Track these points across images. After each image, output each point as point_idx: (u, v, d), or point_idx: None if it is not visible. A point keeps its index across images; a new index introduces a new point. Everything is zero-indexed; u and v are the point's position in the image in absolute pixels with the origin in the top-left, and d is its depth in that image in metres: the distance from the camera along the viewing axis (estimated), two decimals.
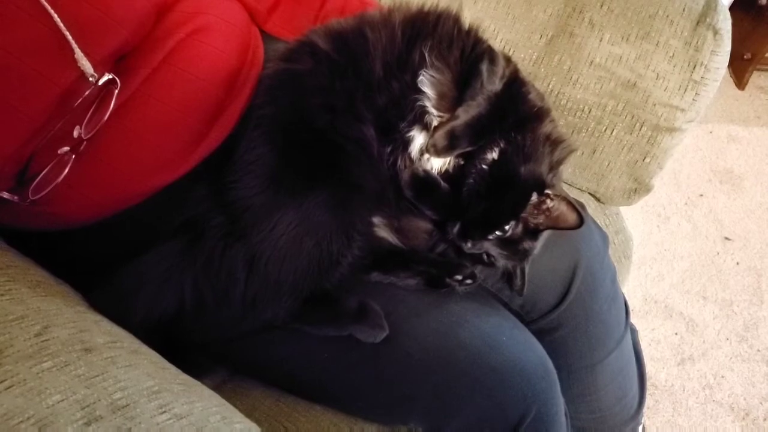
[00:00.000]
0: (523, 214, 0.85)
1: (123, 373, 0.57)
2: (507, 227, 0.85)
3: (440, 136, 0.79)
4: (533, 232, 0.88)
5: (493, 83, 0.82)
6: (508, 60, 0.88)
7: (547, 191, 0.85)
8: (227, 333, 0.87)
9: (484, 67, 0.81)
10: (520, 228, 0.86)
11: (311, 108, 0.80)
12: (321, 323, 0.84)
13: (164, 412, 0.55)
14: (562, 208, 0.85)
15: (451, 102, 0.82)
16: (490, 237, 0.85)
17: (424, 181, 0.84)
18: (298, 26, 1.01)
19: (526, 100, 0.86)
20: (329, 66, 0.81)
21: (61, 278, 0.76)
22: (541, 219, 0.86)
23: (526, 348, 0.87)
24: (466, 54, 0.83)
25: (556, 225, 0.86)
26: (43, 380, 0.52)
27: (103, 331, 0.65)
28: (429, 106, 0.82)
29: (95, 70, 0.70)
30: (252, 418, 0.66)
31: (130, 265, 0.78)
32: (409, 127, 0.83)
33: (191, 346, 0.79)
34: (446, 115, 0.82)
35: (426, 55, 0.81)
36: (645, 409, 1.20)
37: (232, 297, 0.79)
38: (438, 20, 0.85)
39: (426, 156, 0.84)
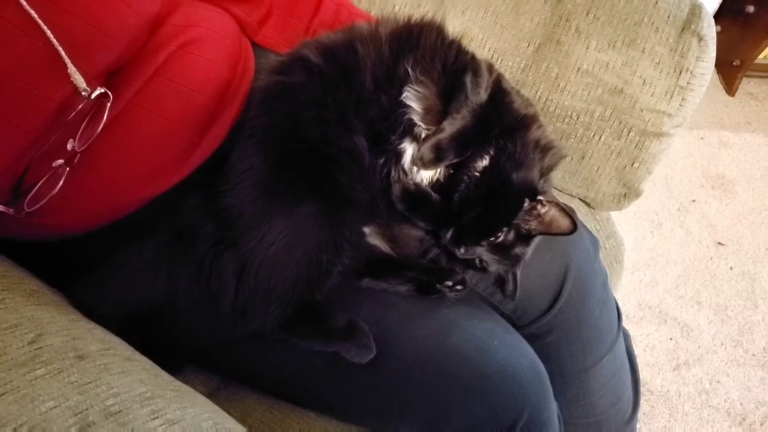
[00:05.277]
0: (515, 220, 0.86)
1: (116, 380, 0.58)
2: (500, 233, 0.85)
3: (427, 149, 0.80)
4: (525, 238, 0.88)
5: (477, 94, 0.83)
6: (490, 69, 0.89)
7: (539, 197, 0.86)
8: (218, 340, 0.87)
9: (468, 79, 0.82)
10: (512, 234, 0.87)
11: (304, 120, 0.81)
12: (308, 337, 0.84)
13: (156, 417, 0.55)
14: (555, 213, 0.85)
15: (437, 115, 0.83)
16: (483, 243, 0.86)
17: (415, 195, 0.85)
18: (288, 38, 1.03)
19: (510, 109, 0.87)
20: (321, 80, 0.82)
21: (54, 285, 0.77)
22: (533, 224, 0.87)
23: (518, 352, 0.88)
24: (449, 66, 0.84)
25: (548, 230, 0.87)
26: (36, 387, 0.52)
27: (97, 339, 0.65)
28: (416, 119, 0.83)
29: (88, 85, 0.71)
30: (245, 424, 0.66)
31: (113, 255, 0.79)
32: (400, 140, 0.84)
33: (166, 347, 0.80)
34: (433, 128, 0.83)
35: (410, 70, 0.82)
36: (641, 415, 1.20)
37: (221, 304, 0.80)
38: (421, 33, 0.85)
39: (416, 168, 0.85)
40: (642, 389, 1.20)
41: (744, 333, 1.80)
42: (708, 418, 1.61)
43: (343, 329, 0.82)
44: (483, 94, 0.84)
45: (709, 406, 1.63)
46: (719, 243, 2.03)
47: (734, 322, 1.82)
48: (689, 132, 2.39)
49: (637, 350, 1.29)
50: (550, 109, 1.15)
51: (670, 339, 1.77)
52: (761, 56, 2.45)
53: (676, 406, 1.63)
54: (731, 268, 1.96)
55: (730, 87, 2.56)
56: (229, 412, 0.68)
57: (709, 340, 1.78)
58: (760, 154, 2.34)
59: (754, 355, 1.75)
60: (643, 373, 1.62)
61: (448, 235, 0.85)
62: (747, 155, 2.34)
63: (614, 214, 1.34)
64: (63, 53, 0.68)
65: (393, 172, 0.85)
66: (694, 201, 2.16)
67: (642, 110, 1.11)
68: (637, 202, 1.25)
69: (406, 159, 0.84)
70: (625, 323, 1.12)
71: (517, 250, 0.88)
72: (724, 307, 1.86)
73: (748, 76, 2.57)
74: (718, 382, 1.68)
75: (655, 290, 1.89)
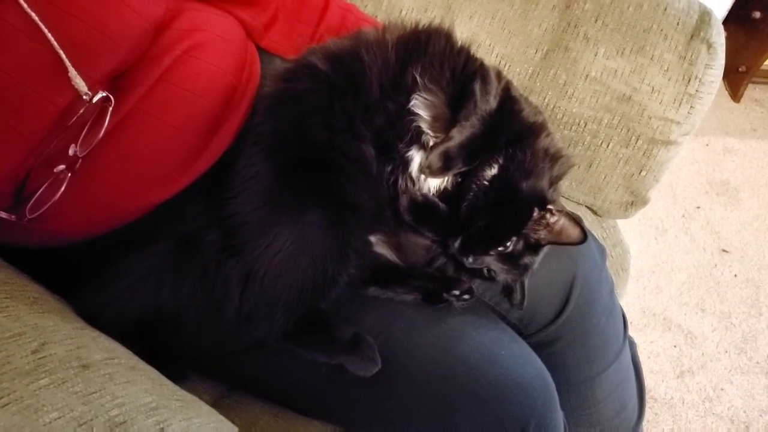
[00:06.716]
0: (524, 230, 0.85)
1: (120, 390, 0.57)
2: (508, 243, 0.85)
3: (435, 158, 0.80)
4: (534, 247, 0.88)
5: (486, 102, 0.82)
6: (499, 76, 0.88)
7: (549, 206, 0.85)
8: (223, 348, 0.86)
9: (477, 86, 0.82)
10: (521, 243, 0.86)
11: (311, 127, 0.80)
12: (312, 349, 0.84)
13: (162, 428, 0.55)
14: (564, 223, 0.85)
15: (446, 123, 0.82)
16: (492, 252, 0.85)
17: (423, 205, 0.84)
18: (294, 43, 1.02)
19: (519, 117, 0.86)
20: (328, 87, 0.81)
21: (57, 292, 0.77)
22: (542, 234, 0.86)
23: (524, 361, 0.87)
24: (458, 74, 0.84)
25: (558, 240, 0.86)
26: (40, 397, 0.52)
27: (101, 348, 0.64)
28: (424, 127, 0.82)
29: (92, 89, 0.70)
30: None
31: (116, 261, 0.79)
32: (408, 147, 0.83)
33: (170, 354, 0.79)
34: (441, 136, 0.82)
35: (418, 78, 0.81)
36: (645, 422, 1.20)
37: (226, 312, 0.79)
38: (429, 40, 0.85)
39: (423, 176, 0.84)
40: (646, 396, 1.20)
41: (748, 340, 1.79)
42: (711, 425, 1.60)
43: (348, 342, 0.82)
44: (492, 102, 0.83)
45: (713, 413, 1.63)
46: (724, 250, 2.03)
47: (738, 329, 1.82)
48: (694, 138, 2.38)
49: (641, 357, 1.28)
50: (558, 117, 1.15)
51: (674, 346, 1.76)
52: (767, 62, 2.44)
53: (680, 413, 1.62)
54: (735, 275, 1.96)
55: (736, 93, 2.55)
56: (233, 421, 0.68)
57: (713, 347, 1.77)
58: (765, 160, 2.33)
59: (758, 362, 1.74)
60: (647, 380, 1.61)
61: (456, 244, 0.84)
62: (752, 162, 2.33)
63: (618, 221, 1.33)
64: (64, 56, 0.68)
65: (400, 181, 0.84)
66: (698, 208, 2.15)
67: (650, 118, 1.10)
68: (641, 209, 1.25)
69: (414, 167, 0.84)
70: (629, 330, 1.12)
71: (526, 259, 0.87)
72: (729, 315, 1.85)
73: (753, 83, 2.56)
74: (722, 389, 1.68)
75: (660, 297, 1.88)
